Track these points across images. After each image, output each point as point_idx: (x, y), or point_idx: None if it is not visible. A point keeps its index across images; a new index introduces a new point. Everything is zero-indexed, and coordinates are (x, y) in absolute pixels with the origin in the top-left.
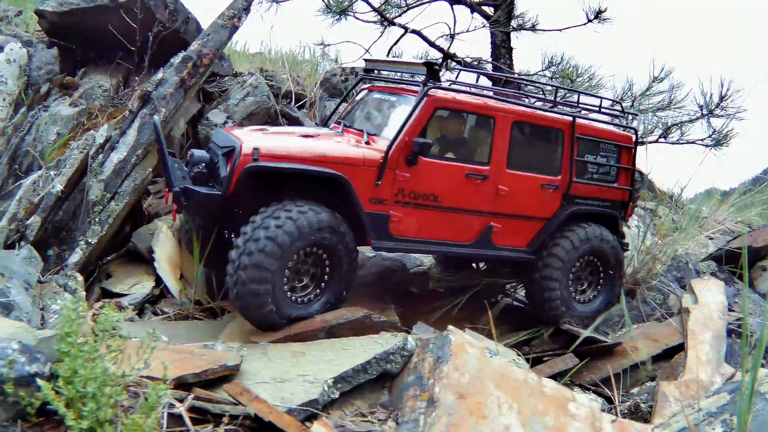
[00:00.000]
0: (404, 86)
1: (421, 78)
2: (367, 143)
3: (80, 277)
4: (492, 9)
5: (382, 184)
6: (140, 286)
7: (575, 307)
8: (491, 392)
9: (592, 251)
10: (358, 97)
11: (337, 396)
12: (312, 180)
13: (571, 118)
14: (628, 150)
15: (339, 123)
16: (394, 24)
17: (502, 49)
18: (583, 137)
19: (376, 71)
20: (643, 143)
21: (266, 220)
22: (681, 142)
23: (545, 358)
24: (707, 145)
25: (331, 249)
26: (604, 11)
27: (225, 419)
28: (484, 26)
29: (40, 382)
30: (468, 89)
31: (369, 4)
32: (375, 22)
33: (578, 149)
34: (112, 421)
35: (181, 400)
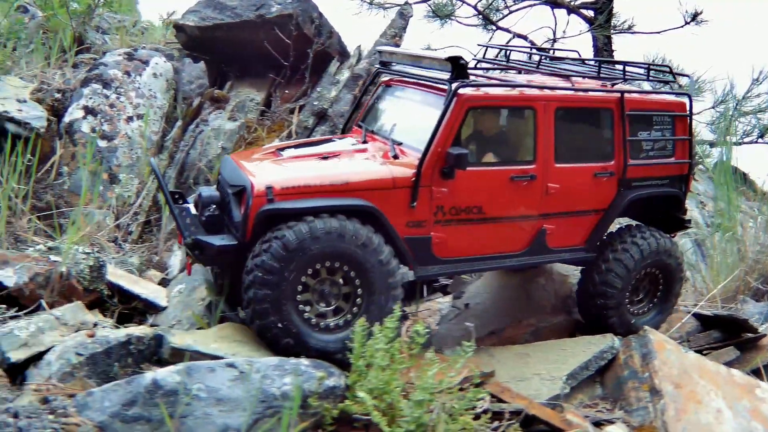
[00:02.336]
0: (429, 81)
1: (446, 76)
2: (395, 156)
3: None
4: (591, 12)
5: (419, 204)
6: None
7: (627, 318)
8: (697, 381)
9: (657, 264)
10: (377, 94)
11: (568, 391)
12: (340, 212)
13: (618, 94)
14: (683, 119)
15: (360, 126)
16: (497, 26)
17: (604, 52)
18: (634, 113)
19: (394, 64)
20: (739, 142)
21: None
22: None
23: (704, 352)
24: None
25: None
26: (700, 13)
27: (506, 415)
28: (586, 30)
29: (361, 393)
30: (499, 81)
31: (474, 8)
32: (478, 26)
33: (630, 127)
34: (427, 425)
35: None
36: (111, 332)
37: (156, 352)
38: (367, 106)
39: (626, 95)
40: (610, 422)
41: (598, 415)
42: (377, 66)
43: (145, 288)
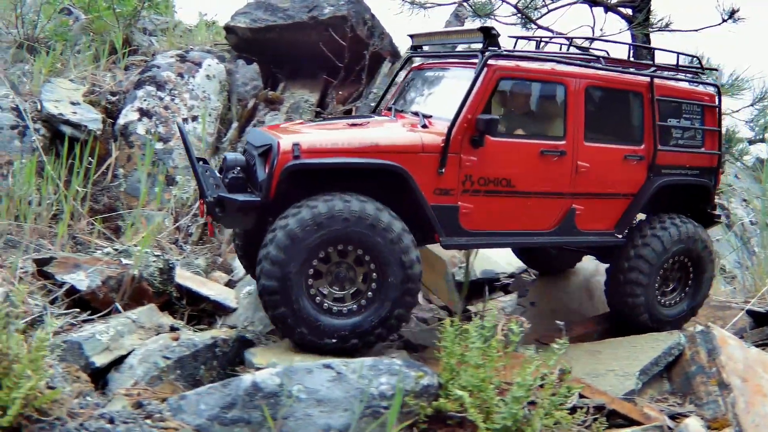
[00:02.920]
0: (460, 59)
1: (479, 47)
2: (425, 126)
3: None
4: (629, 10)
5: (447, 171)
6: None
7: (658, 311)
8: (762, 375)
9: (684, 252)
10: (407, 79)
11: (640, 386)
12: (366, 175)
13: (648, 78)
14: (712, 110)
15: (390, 109)
16: (536, 24)
17: (642, 50)
18: (663, 99)
19: (424, 47)
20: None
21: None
22: None
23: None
24: None
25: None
26: (737, 11)
27: (589, 409)
28: (626, 29)
29: (458, 391)
30: (532, 54)
31: (514, 6)
32: (517, 24)
33: (660, 113)
34: (521, 421)
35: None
36: (195, 335)
37: (239, 355)
38: (398, 90)
39: (656, 80)
40: (685, 416)
41: (672, 409)
42: (408, 51)
43: (213, 290)
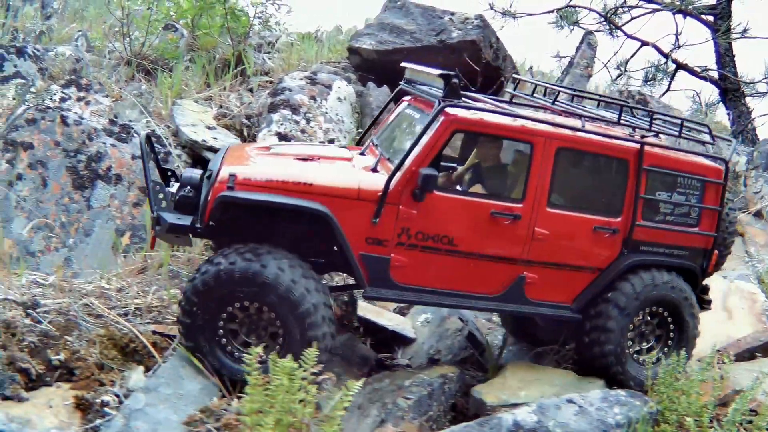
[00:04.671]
0: (426, 98)
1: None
2: (374, 170)
3: None
4: (712, 17)
5: (382, 221)
6: None
7: (632, 368)
8: None
9: (660, 302)
10: (396, 111)
11: None
12: (297, 213)
13: (638, 146)
14: (716, 187)
15: (372, 141)
16: (622, 31)
17: (726, 57)
18: (654, 169)
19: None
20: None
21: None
22: None
23: None
24: None
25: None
26: None
27: None
28: (711, 38)
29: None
30: (501, 108)
31: (600, 14)
32: (603, 31)
33: (647, 184)
34: None
35: None
36: (426, 373)
37: (459, 390)
38: (384, 122)
39: (648, 148)
40: None
41: None
42: (401, 83)
43: (391, 320)
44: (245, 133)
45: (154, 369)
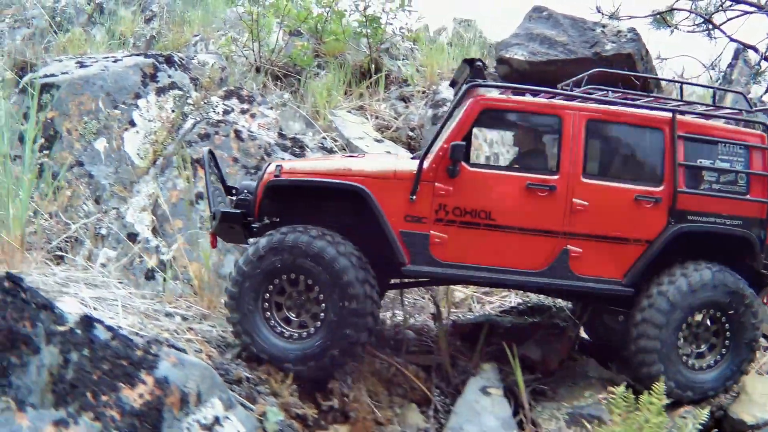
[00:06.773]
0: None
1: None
2: (418, 158)
3: None
4: None
5: (419, 199)
6: None
7: (681, 372)
8: None
9: (717, 305)
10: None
11: None
12: (337, 196)
13: (669, 114)
14: (762, 152)
15: None
16: (720, 30)
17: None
18: (689, 136)
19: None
20: None
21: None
22: None
23: None
24: None
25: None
26: None
27: None
28: None
29: None
30: (528, 89)
31: (702, 15)
32: (700, 32)
33: (685, 151)
34: None
35: None
36: None
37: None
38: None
39: (680, 117)
40: None
41: None
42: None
43: None
44: (411, 145)
45: (432, 406)
